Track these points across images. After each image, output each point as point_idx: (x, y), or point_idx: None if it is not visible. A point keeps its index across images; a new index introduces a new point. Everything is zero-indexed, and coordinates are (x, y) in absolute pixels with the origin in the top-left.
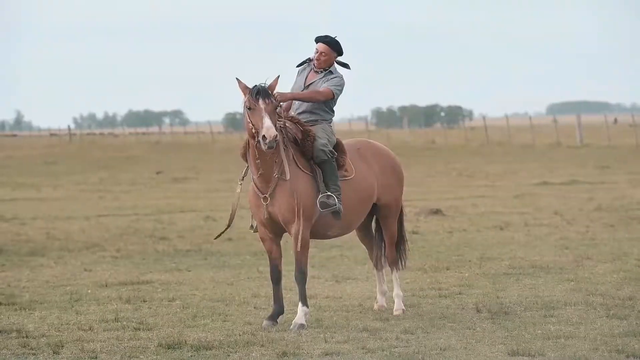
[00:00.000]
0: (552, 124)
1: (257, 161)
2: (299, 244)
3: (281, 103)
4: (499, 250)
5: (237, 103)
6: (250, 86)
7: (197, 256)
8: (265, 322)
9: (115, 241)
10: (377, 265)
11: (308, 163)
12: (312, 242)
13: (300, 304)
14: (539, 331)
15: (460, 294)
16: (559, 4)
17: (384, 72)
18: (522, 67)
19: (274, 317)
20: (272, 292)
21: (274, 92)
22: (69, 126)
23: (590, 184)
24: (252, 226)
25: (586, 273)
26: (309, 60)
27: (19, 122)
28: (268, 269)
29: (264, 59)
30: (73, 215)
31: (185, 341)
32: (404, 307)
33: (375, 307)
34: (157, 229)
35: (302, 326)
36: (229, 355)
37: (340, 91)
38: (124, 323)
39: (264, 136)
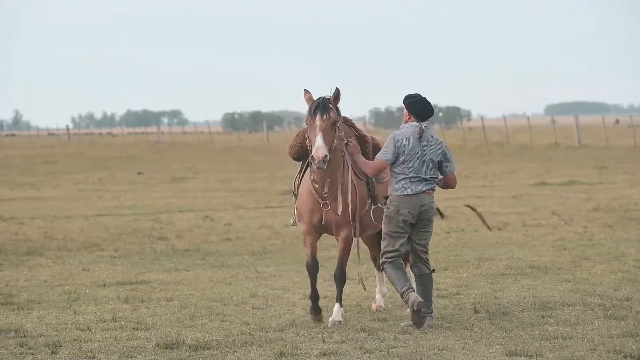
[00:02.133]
0: (550, 124)
1: (317, 174)
2: (347, 247)
3: (339, 119)
4: (496, 251)
5: (234, 103)
6: (315, 98)
7: (196, 256)
8: (311, 316)
9: (114, 241)
10: (378, 265)
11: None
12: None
13: (337, 304)
14: (537, 332)
15: (458, 294)
16: (558, 4)
17: (382, 72)
18: (520, 67)
19: (317, 307)
20: (310, 284)
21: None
22: (67, 126)
23: (588, 185)
24: (294, 222)
25: (584, 273)
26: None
27: (17, 121)
28: (267, 269)
29: (264, 59)
30: (71, 214)
31: (183, 341)
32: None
33: (373, 307)
34: (155, 228)
35: (339, 323)
36: (226, 355)
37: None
38: (122, 323)
39: (312, 156)
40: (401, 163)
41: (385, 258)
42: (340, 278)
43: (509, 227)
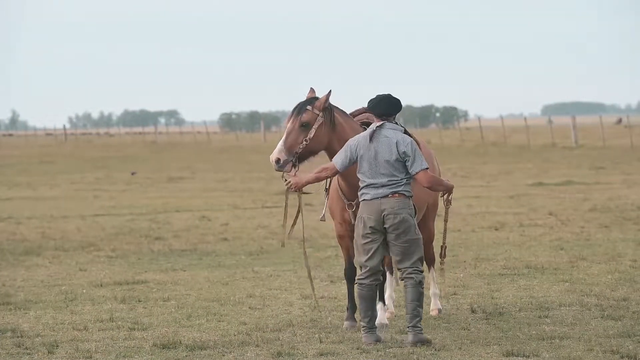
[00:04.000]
0: (547, 124)
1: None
2: None
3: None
4: (493, 251)
5: (232, 103)
6: (320, 96)
7: (193, 256)
8: (346, 323)
9: (111, 241)
10: (391, 269)
11: None
12: (308, 242)
13: (379, 304)
14: (534, 332)
15: (455, 294)
16: (556, 4)
17: (379, 72)
18: (518, 68)
19: (352, 316)
20: (347, 291)
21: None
22: (64, 126)
23: (585, 185)
24: (323, 218)
25: (581, 274)
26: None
27: (14, 121)
28: (264, 269)
29: (261, 59)
30: (68, 214)
31: (180, 341)
32: (440, 307)
33: (386, 314)
34: (152, 228)
35: (386, 325)
36: (223, 355)
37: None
38: (119, 323)
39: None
40: (360, 168)
41: (357, 278)
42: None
43: (506, 227)
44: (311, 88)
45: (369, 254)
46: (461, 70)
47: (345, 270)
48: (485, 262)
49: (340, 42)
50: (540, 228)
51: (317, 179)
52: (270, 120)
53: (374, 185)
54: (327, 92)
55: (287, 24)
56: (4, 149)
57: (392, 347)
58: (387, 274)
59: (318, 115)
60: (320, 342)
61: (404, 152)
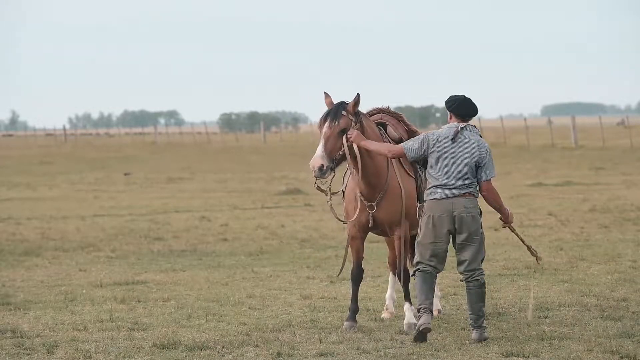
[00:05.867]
0: (547, 125)
1: (361, 171)
2: (405, 245)
3: (354, 120)
4: (493, 251)
5: (231, 104)
6: (336, 101)
7: (192, 256)
8: (346, 324)
9: (111, 241)
10: (394, 269)
11: (412, 165)
12: (309, 242)
13: (407, 304)
14: (534, 332)
15: (454, 294)
16: (555, 5)
17: (378, 73)
18: (517, 68)
19: (353, 318)
20: (351, 292)
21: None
22: (64, 126)
23: (584, 185)
24: (344, 220)
25: (580, 274)
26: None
27: (14, 122)
28: (263, 270)
29: (261, 60)
30: (68, 215)
31: (180, 341)
32: (440, 307)
33: (386, 315)
34: (152, 229)
35: (414, 325)
36: (223, 356)
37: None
38: (119, 323)
39: (310, 164)
40: (433, 165)
41: (417, 267)
42: (404, 276)
43: (505, 227)
44: (326, 93)
45: (431, 253)
46: (461, 70)
47: (352, 271)
48: (485, 263)
49: (339, 42)
50: (539, 228)
51: (374, 151)
52: (270, 120)
53: (447, 186)
54: (355, 97)
55: (287, 25)
56: (4, 150)
57: (392, 347)
58: (390, 274)
59: (352, 120)
60: (320, 342)
61: (482, 157)
